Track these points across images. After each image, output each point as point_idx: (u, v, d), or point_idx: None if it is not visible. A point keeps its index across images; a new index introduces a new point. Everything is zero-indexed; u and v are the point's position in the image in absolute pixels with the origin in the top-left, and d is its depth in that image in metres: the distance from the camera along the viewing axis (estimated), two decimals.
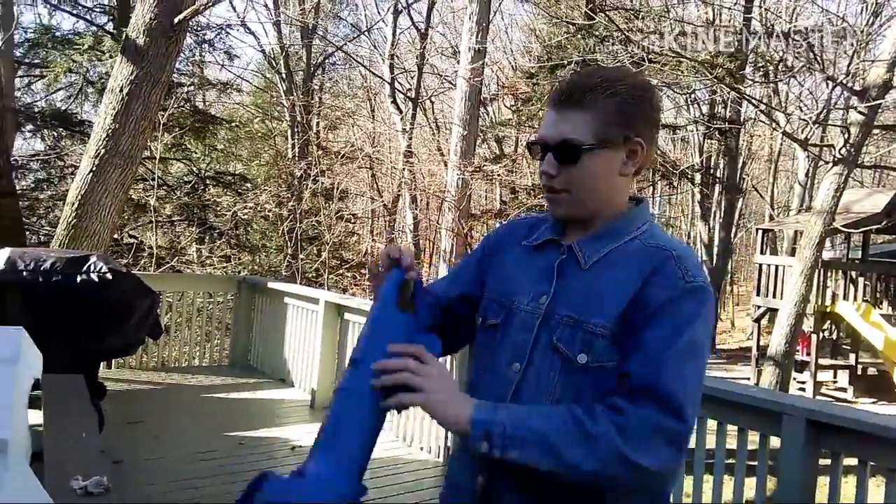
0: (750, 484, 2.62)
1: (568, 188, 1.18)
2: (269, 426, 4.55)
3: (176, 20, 5.72)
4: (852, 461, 2.33)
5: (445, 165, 13.39)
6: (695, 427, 1.12)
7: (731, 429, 2.67)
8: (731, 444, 2.69)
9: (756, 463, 2.59)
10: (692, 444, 2.33)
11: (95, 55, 11.12)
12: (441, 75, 19.34)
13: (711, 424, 2.75)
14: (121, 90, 5.81)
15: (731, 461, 2.72)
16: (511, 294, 1.23)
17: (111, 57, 6.71)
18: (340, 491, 1.02)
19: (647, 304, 1.10)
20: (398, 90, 17.97)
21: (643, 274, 1.12)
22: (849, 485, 2.34)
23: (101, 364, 4.99)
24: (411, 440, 4.27)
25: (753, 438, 2.61)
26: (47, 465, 2.29)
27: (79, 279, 4.17)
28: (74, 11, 12.37)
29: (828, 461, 2.37)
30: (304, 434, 4.39)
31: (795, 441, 2.36)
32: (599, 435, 1.01)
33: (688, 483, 2.77)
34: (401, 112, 17.22)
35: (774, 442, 2.52)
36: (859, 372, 13.27)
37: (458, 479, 1.24)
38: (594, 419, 1.02)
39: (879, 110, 10.03)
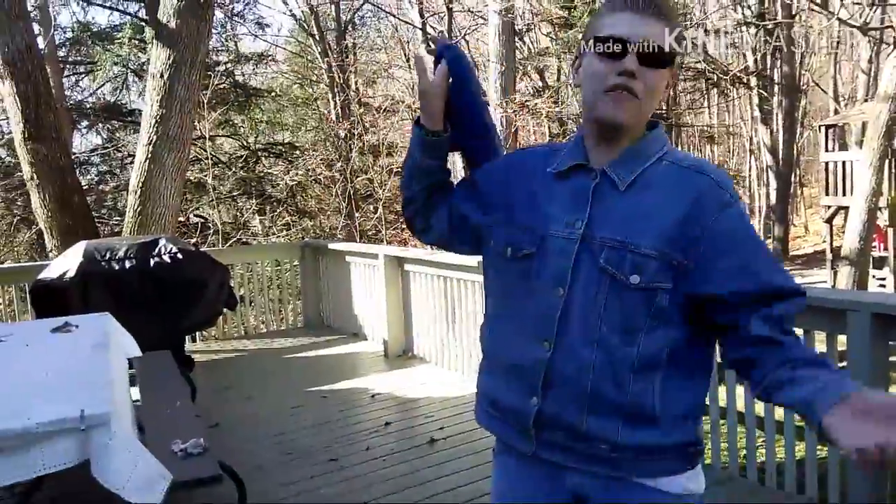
0: None
1: (641, 95, 1.14)
2: (347, 378, 4.76)
3: None
4: None
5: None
6: None
7: (797, 332, 2.65)
8: None
9: None
10: None
11: (136, 45, 11.36)
12: (472, 11, 18.87)
13: None
14: (161, 75, 5.98)
15: None
16: (542, 222, 1.23)
17: (150, 45, 6.88)
18: None
19: (712, 234, 1.13)
20: (430, 34, 17.66)
21: (687, 199, 1.13)
22: None
23: (186, 338, 5.31)
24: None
25: (820, 338, 2.60)
26: (148, 434, 2.51)
27: (152, 262, 4.43)
28: (107, 4, 12.61)
29: None
30: (381, 382, 4.60)
31: (862, 337, 2.35)
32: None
33: None
34: None
35: (842, 341, 2.50)
36: None
37: (498, 396, 1.28)
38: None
39: None
